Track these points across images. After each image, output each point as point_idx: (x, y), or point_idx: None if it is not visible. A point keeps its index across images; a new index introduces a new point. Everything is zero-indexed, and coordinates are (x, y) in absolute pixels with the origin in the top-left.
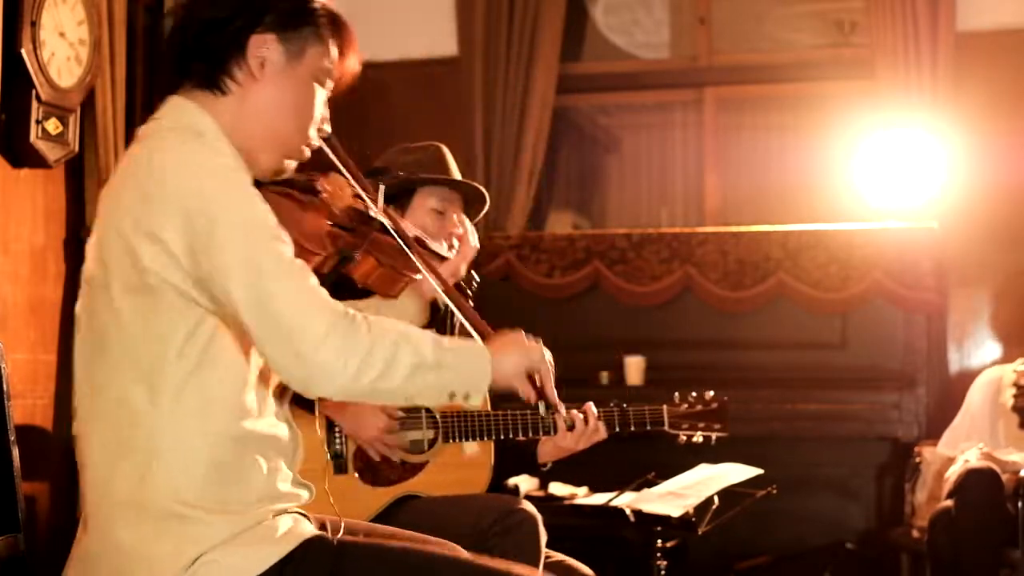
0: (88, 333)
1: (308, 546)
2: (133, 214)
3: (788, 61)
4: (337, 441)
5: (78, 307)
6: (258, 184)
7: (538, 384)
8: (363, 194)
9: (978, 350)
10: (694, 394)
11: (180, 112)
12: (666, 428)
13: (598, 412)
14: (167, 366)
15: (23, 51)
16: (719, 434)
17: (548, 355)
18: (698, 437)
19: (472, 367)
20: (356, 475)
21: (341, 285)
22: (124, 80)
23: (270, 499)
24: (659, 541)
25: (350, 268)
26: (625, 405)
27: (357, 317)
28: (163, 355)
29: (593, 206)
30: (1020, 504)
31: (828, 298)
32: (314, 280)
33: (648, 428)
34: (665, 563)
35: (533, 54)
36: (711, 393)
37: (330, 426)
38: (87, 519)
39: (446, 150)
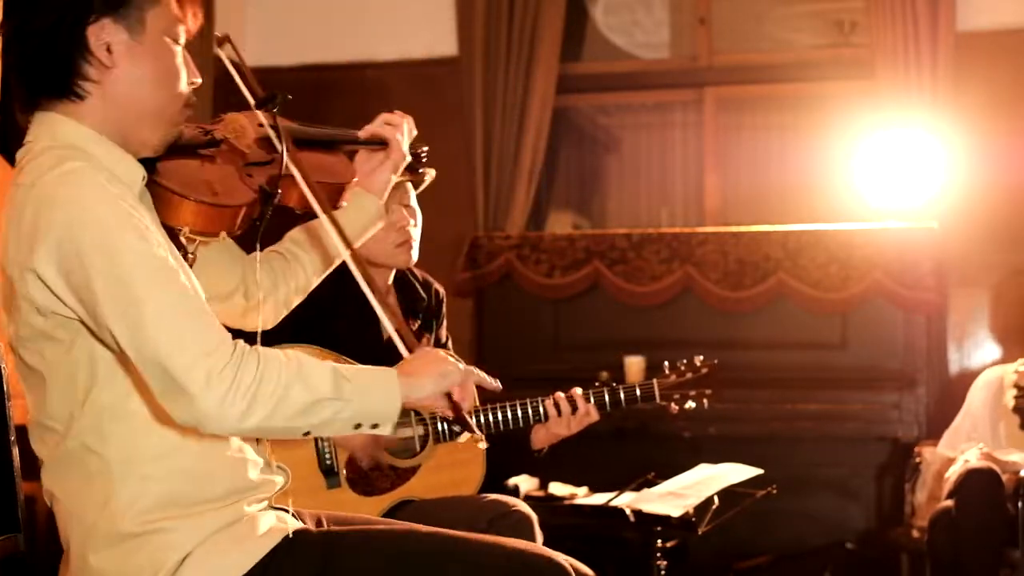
0: (24, 371)
1: (293, 541)
2: (17, 256)
3: (788, 61)
4: (327, 456)
5: (5, 343)
6: (156, 159)
7: (455, 401)
8: (262, 116)
9: (978, 350)
10: (684, 361)
11: (48, 129)
12: (657, 400)
13: (588, 393)
14: (101, 393)
15: None
16: (710, 398)
17: (473, 372)
18: (690, 404)
19: (378, 397)
20: (349, 487)
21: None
22: None
23: (240, 492)
24: (659, 541)
25: (283, 200)
26: (615, 384)
27: (246, 354)
28: (93, 384)
29: (593, 206)
30: (1020, 504)
31: (828, 298)
32: (205, 310)
33: (639, 402)
34: (665, 563)
35: (533, 54)
36: (700, 358)
37: (318, 441)
38: (66, 549)
39: None
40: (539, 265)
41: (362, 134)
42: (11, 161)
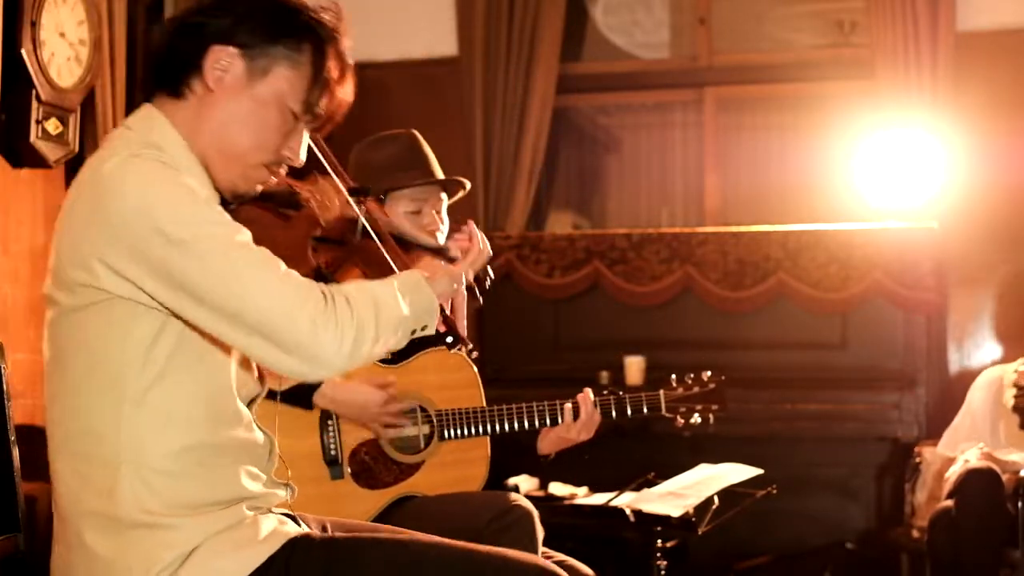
0: (53, 350)
1: (294, 546)
2: (88, 236)
3: (788, 61)
4: (331, 448)
5: (45, 326)
6: (231, 202)
7: (449, 315)
8: (352, 202)
9: (978, 350)
10: (691, 375)
11: (147, 123)
12: (663, 412)
13: (595, 400)
14: (129, 378)
15: (23, 51)
16: (717, 414)
17: (463, 286)
18: (696, 418)
19: (423, 301)
20: (352, 480)
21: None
22: (124, 80)
23: (242, 499)
24: (659, 541)
25: (336, 278)
26: (621, 392)
27: (334, 295)
28: (125, 367)
29: (593, 206)
30: (1020, 504)
31: (828, 298)
32: (280, 266)
33: (645, 413)
34: (665, 563)
35: (533, 54)
36: (708, 373)
37: (323, 433)
38: (59, 529)
39: (419, 138)
40: (539, 265)
41: (438, 244)
42: (12, 162)
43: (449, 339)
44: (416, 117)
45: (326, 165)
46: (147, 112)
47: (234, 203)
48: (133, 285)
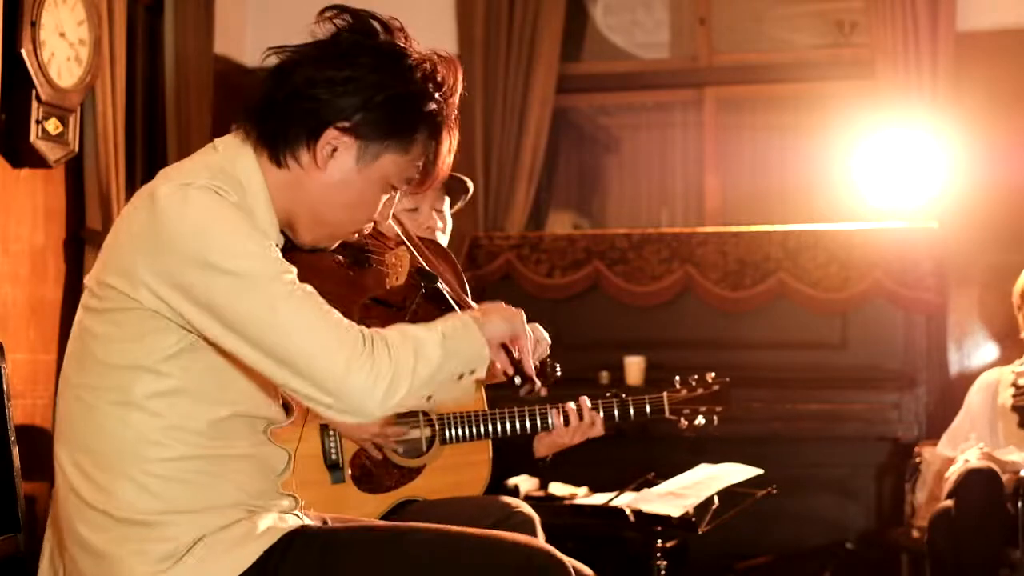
0: (75, 344)
1: (292, 538)
2: (136, 248)
3: (788, 61)
4: (332, 451)
5: (76, 315)
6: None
7: (516, 356)
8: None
9: (978, 350)
10: (695, 377)
11: (236, 156)
12: (667, 415)
13: (598, 403)
14: (141, 384)
15: (23, 51)
16: (721, 415)
17: (535, 331)
18: (699, 420)
19: (471, 346)
20: (353, 484)
21: None
22: (124, 80)
23: (244, 506)
24: (659, 541)
25: None
26: (624, 395)
27: (373, 340)
28: (139, 373)
29: (593, 206)
30: (1020, 504)
31: (828, 298)
32: (323, 306)
33: (648, 416)
34: (665, 563)
35: (533, 54)
36: (712, 375)
37: (323, 436)
38: (57, 520)
39: None
40: (539, 265)
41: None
42: (12, 162)
43: (517, 380)
44: None
45: (404, 239)
46: (240, 146)
47: (305, 250)
48: (168, 305)
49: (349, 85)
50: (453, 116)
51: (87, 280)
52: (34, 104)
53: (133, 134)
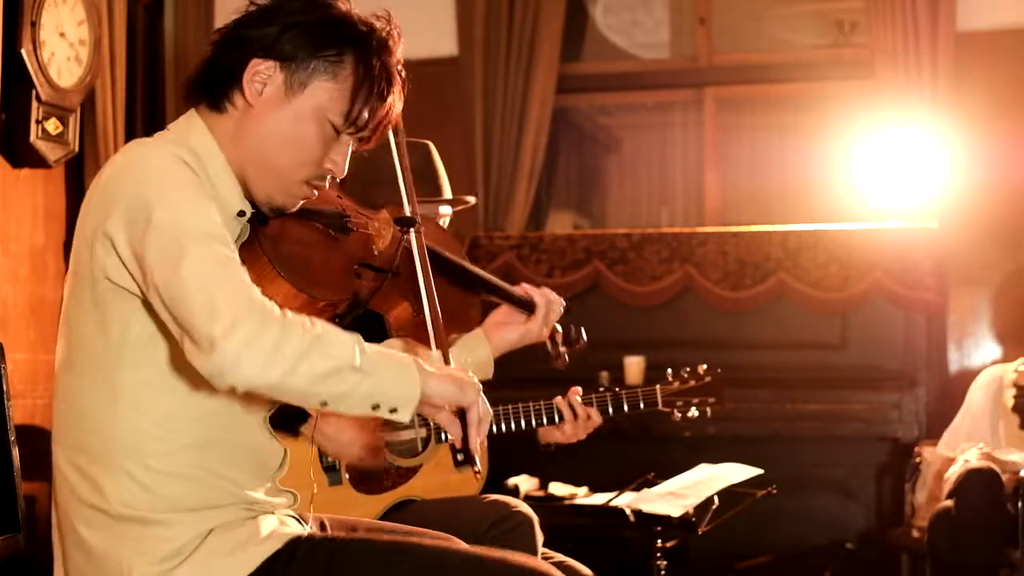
0: (62, 340)
1: (295, 545)
2: (94, 215)
3: (788, 61)
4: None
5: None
6: (269, 215)
7: (466, 427)
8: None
9: (978, 350)
10: (688, 369)
11: (185, 127)
12: (660, 407)
13: (591, 398)
14: (125, 374)
15: (23, 51)
16: (713, 407)
17: (486, 408)
18: (692, 412)
19: (400, 380)
20: (350, 485)
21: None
22: (124, 80)
23: (242, 504)
24: (659, 541)
25: (377, 310)
26: (617, 389)
27: (276, 311)
28: (120, 363)
29: (593, 206)
30: (1020, 504)
31: (828, 298)
32: (242, 275)
33: (642, 408)
34: (665, 563)
35: (533, 54)
36: (704, 367)
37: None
38: (58, 520)
39: (432, 151)
40: (539, 265)
41: (517, 290)
42: (12, 162)
43: (459, 456)
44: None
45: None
46: (188, 117)
47: (272, 216)
48: (120, 261)
49: (269, 15)
50: (394, 57)
51: (66, 279)
52: (34, 104)
53: (133, 134)
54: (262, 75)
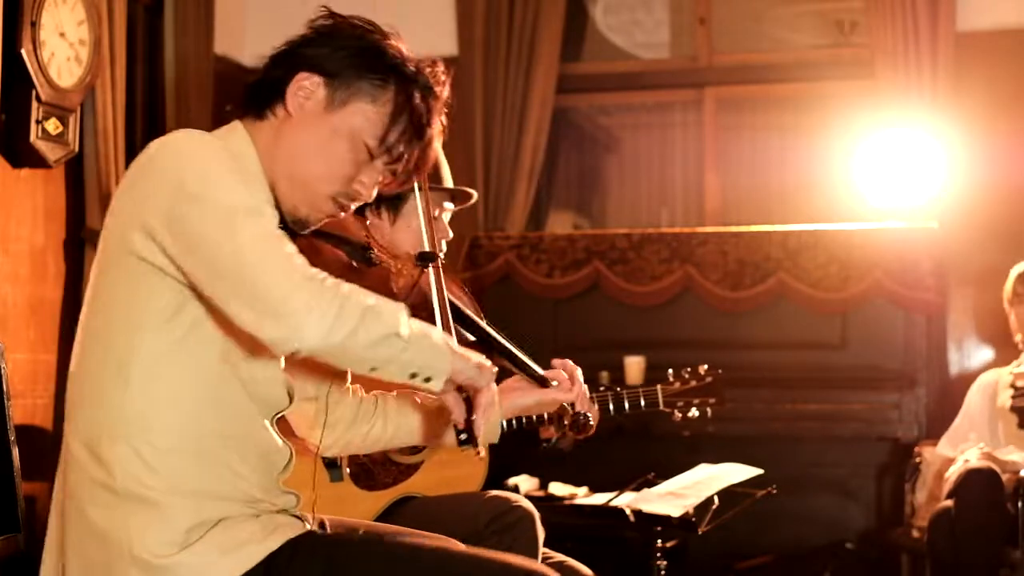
0: (83, 318)
1: (296, 544)
2: (130, 196)
3: (788, 61)
4: None
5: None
6: (294, 229)
7: (473, 408)
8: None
9: (978, 350)
10: (688, 370)
11: (229, 132)
12: (661, 407)
13: (593, 396)
14: (141, 348)
15: (23, 51)
16: (714, 407)
17: (494, 393)
18: (693, 412)
19: (436, 351)
20: (351, 481)
21: None
22: (124, 80)
23: (244, 500)
24: (659, 541)
25: None
26: (619, 388)
27: (329, 279)
28: (138, 337)
29: (593, 206)
30: (1020, 504)
31: (828, 298)
32: (293, 248)
33: (643, 408)
34: (665, 563)
35: (533, 54)
36: (705, 367)
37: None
38: (63, 503)
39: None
40: (539, 265)
41: (536, 367)
42: (12, 162)
43: (462, 436)
44: None
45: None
46: (232, 124)
47: (294, 228)
48: (155, 242)
49: (324, 38)
50: (437, 102)
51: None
52: (34, 104)
53: (133, 134)
54: (306, 88)
